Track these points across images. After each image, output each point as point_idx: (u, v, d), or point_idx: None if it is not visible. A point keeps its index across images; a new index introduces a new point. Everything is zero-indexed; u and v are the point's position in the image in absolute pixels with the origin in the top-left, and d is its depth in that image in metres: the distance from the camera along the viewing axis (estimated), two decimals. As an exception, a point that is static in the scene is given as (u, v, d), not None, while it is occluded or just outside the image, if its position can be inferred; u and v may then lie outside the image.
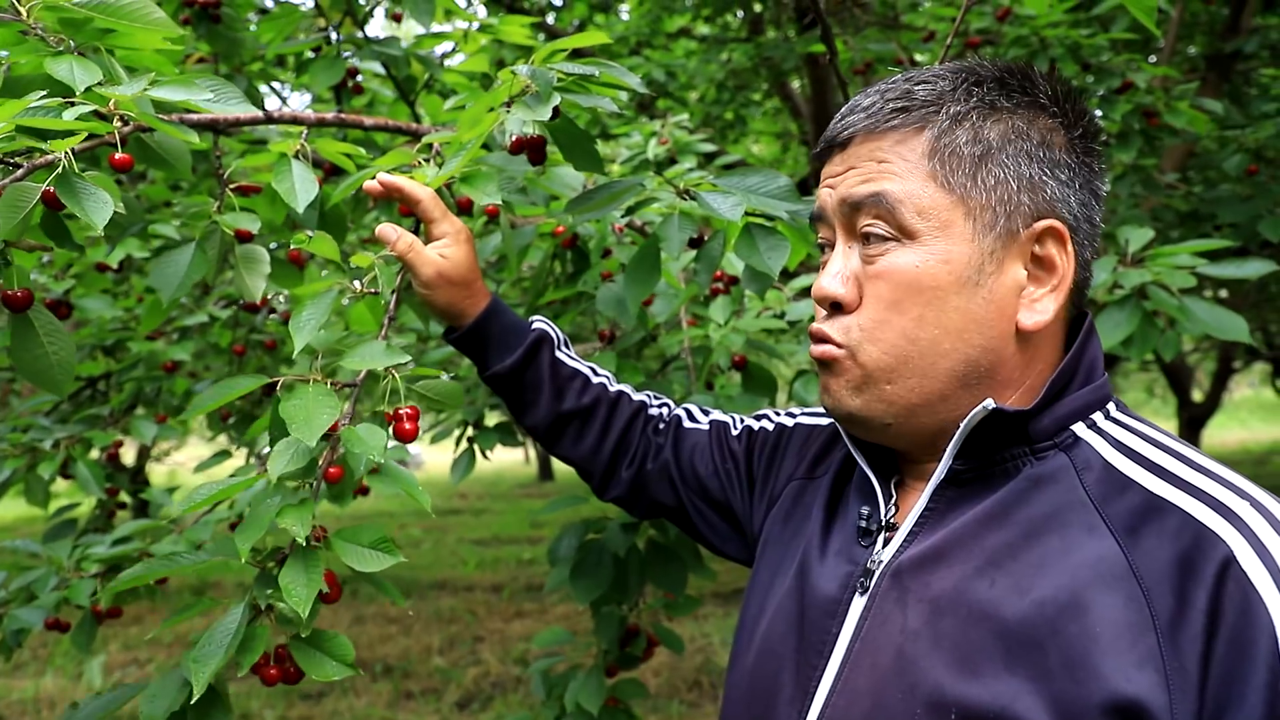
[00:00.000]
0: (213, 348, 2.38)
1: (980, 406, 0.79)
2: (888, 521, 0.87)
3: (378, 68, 2.13)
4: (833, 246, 0.88)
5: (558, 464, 18.82)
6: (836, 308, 0.85)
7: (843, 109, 0.88)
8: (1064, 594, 0.72)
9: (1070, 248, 0.83)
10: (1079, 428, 0.81)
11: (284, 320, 2.49)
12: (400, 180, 1.19)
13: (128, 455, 9.49)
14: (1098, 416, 0.83)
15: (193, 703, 1.06)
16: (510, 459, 23.62)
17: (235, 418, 2.38)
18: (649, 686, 4.79)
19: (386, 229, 1.18)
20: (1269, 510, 0.71)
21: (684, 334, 2.18)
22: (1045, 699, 0.69)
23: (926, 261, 0.80)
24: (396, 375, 1.19)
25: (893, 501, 0.89)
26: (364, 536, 1.12)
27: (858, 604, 0.83)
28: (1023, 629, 0.72)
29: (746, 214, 1.36)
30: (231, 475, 2.20)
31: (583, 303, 1.91)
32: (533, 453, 19.46)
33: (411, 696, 4.85)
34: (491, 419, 2.50)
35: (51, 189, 1.05)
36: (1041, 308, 0.82)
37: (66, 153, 1.07)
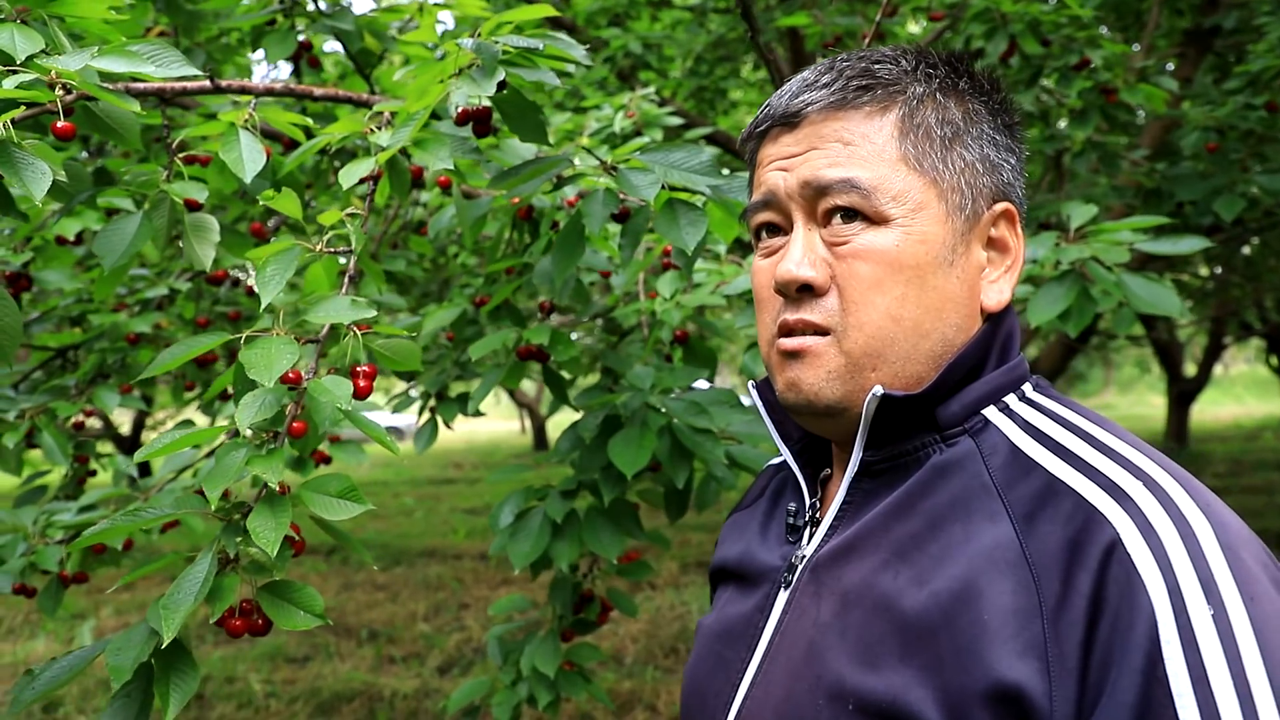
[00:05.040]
0: (179, 318, 2.42)
1: (870, 394, 0.77)
2: (813, 517, 0.87)
3: (335, 43, 2.14)
4: (782, 231, 0.84)
5: (552, 433, 18.89)
6: (805, 292, 0.80)
7: (789, 85, 0.85)
8: (958, 584, 0.71)
9: (1019, 230, 0.83)
10: (990, 411, 0.80)
11: (248, 292, 2.53)
12: None
13: (124, 425, 9.56)
14: (1011, 399, 0.81)
15: (161, 650, 1.06)
16: (506, 429, 23.70)
17: (201, 390, 2.42)
18: (625, 653, 4.87)
19: None
20: (1164, 489, 0.69)
21: (639, 306, 2.21)
22: (934, 689, 0.69)
23: (905, 241, 0.78)
24: (357, 332, 1.20)
25: (818, 497, 0.89)
26: (331, 486, 1.11)
27: (781, 598, 0.84)
28: (919, 620, 0.71)
29: (673, 189, 1.39)
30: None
31: (529, 274, 1.94)
32: (528, 423, 19.55)
33: (394, 661, 4.94)
34: (454, 389, 2.54)
35: None
36: (999, 288, 0.83)
37: (5, 122, 1.09)
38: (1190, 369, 13.56)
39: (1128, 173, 2.90)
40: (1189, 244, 1.77)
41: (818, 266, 0.80)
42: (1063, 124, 3.26)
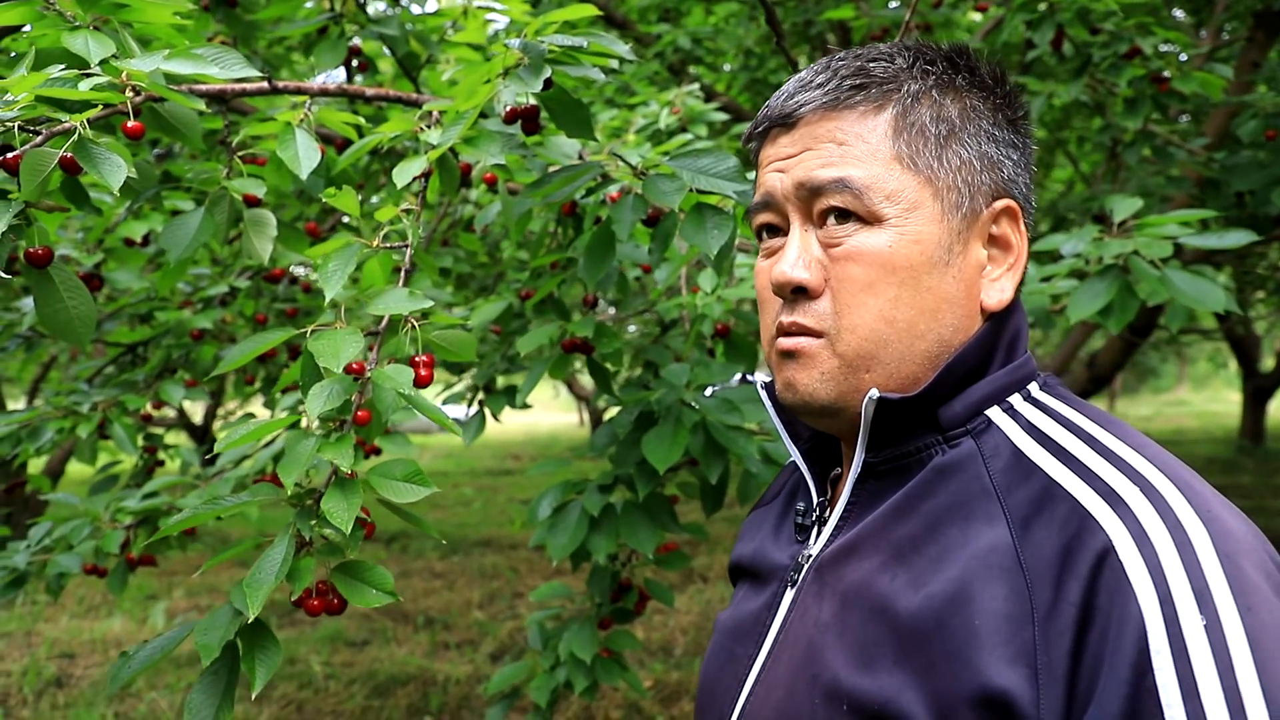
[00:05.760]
0: (239, 315, 2.53)
1: (867, 397, 0.77)
2: (820, 516, 0.88)
3: (385, 48, 2.21)
4: (781, 232, 0.84)
5: (611, 427, 19.02)
6: (800, 294, 0.80)
7: (785, 86, 0.84)
8: (952, 587, 0.70)
9: (1022, 227, 0.82)
10: (994, 412, 0.79)
11: (305, 289, 2.62)
12: None
13: (196, 415, 9.92)
14: (1015, 399, 0.80)
15: (244, 629, 1.12)
16: (565, 422, 23.93)
17: (261, 383, 2.52)
18: (675, 644, 4.92)
19: None
20: (1161, 496, 0.68)
21: (681, 300, 2.25)
22: (925, 693, 0.68)
23: (898, 241, 0.77)
24: (415, 324, 1.26)
25: (827, 496, 0.89)
26: (397, 470, 1.17)
27: (788, 597, 0.85)
28: (913, 623, 0.71)
29: (700, 194, 1.42)
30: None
31: (572, 268, 1.98)
32: (586, 416, 19.75)
33: (449, 647, 5.06)
34: (502, 382, 2.60)
35: (69, 154, 1.14)
36: (1000, 287, 0.82)
37: (82, 121, 1.17)
38: (1269, 363, 13.07)
39: (1186, 163, 2.83)
40: (1235, 237, 1.73)
41: (812, 268, 0.80)
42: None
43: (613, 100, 4.01)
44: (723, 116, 2.98)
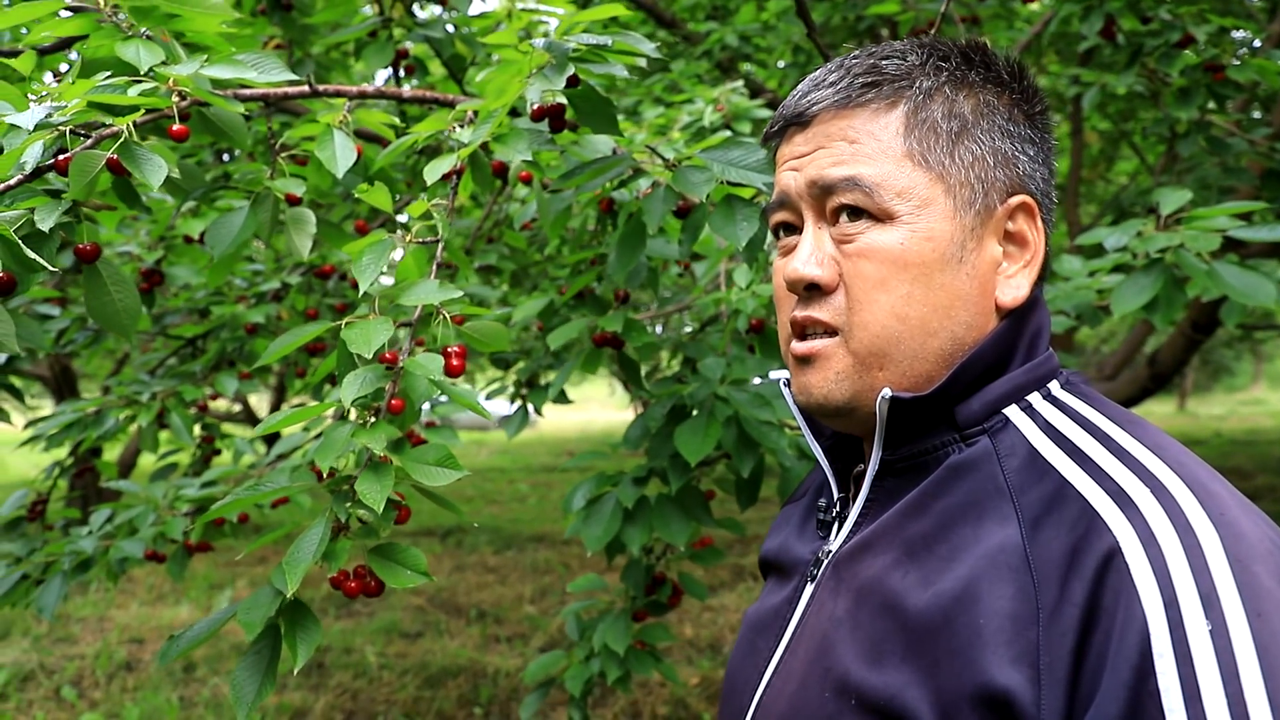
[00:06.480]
0: (292, 310, 2.61)
1: (880, 396, 0.78)
2: (840, 513, 0.89)
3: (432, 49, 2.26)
4: (797, 230, 0.85)
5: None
6: (813, 290, 0.81)
7: (801, 85, 0.86)
8: (960, 585, 0.71)
9: (1039, 223, 0.82)
10: (1012, 410, 0.79)
11: (354, 285, 2.70)
12: None
13: (261, 411, 10.21)
14: (1034, 397, 0.80)
15: (285, 608, 1.17)
16: (620, 420, 24.02)
17: (313, 377, 2.60)
18: (723, 641, 4.91)
19: None
20: (1173, 497, 0.67)
21: (718, 295, 2.26)
22: (929, 690, 0.69)
23: (910, 239, 0.78)
24: (445, 315, 1.30)
25: (848, 493, 0.90)
26: (429, 455, 1.19)
27: (807, 591, 0.87)
28: (921, 620, 0.72)
29: (731, 186, 1.43)
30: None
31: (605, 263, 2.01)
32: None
33: (499, 640, 5.13)
34: (545, 378, 2.64)
35: (115, 156, 1.20)
36: (1016, 284, 0.81)
37: (128, 124, 1.23)
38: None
39: (1248, 153, 2.75)
40: (1287, 230, 1.68)
41: (825, 265, 0.80)
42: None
43: (660, 99, 4.03)
44: (768, 113, 2.98)
